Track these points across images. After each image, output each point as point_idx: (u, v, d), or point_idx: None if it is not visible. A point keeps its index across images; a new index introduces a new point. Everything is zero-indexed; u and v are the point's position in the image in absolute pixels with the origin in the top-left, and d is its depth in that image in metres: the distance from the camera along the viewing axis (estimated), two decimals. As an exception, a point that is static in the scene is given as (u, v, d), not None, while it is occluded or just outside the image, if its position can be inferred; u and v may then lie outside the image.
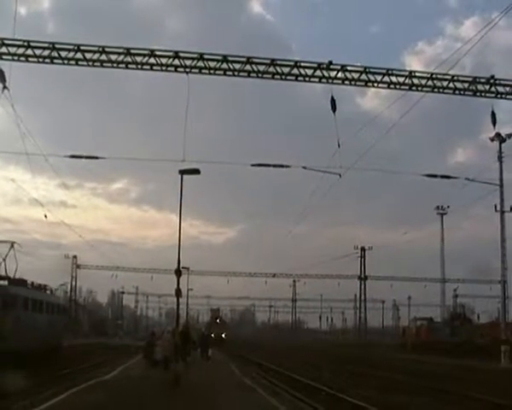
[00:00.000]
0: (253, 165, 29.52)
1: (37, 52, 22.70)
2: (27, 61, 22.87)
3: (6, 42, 22.35)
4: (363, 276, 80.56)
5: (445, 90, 25.27)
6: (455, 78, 25.02)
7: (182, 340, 28.96)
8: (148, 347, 29.56)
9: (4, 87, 22.31)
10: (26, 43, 22.55)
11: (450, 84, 25.05)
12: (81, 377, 23.28)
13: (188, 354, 30.56)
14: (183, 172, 24.65)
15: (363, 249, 79.97)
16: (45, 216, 42.43)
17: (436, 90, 25.20)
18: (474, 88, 25.22)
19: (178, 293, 27.05)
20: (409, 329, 74.86)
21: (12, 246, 30.04)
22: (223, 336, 75.53)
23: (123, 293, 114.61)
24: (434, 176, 33.38)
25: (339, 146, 25.06)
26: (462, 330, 59.65)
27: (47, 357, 29.50)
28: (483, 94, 25.39)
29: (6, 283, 28.22)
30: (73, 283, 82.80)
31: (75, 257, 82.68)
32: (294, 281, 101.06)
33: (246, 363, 38.13)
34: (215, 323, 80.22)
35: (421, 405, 18.72)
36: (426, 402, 19.36)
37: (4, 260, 29.33)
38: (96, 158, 29.04)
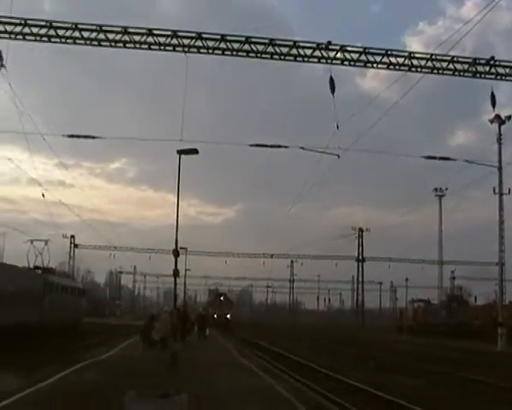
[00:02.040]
0: (251, 145, 29.48)
1: (35, 30, 22.57)
2: (24, 39, 22.73)
3: (3, 20, 22.22)
4: (360, 257, 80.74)
5: (445, 72, 25.17)
6: (455, 59, 24.92)
7: (180, 320, 29.09)
8: (145, 328, 29.63)
9: (1, 65, 22.19)
10: (23, 22, 22.40)
11: (450, 66, 24.95)
12: (79, 356, 23.35)
13: (187, 333, 30.71)
14: (181, 152, 24.61)
15: (360, 230, 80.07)
16: (43, 195, 42.63)
17: (436, 71, 25.09)
18: (473, 69, 25.12)
19: (176, 273, 27.11)
20: (406, 311, 75.22)
21: (46, 243, 38.30)
22: (227, 316, 70.41)
23: (121, 273, 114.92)
24: (433, 158, 33.34)
25: (337, 127, 25.02)
26: (459, 313, 59.76)
27: (70, 331, 35.40)
28: (483, 75, 25.30)
29: (40, 272, 34.44)
30: (71, 263, 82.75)
31: (73, 237, 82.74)
32: (292, 261, 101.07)
33: (243, 343, 38.28)
34: (218, 301, 74.24)
35: (416, 386, 18.85)
36: (420, 383, 19.51)
37: (41, 253, 36.76)
38: (94, 138, 28.95)
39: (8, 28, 22.24)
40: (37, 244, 36.77)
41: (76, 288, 45.05)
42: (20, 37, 22.49)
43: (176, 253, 26.53)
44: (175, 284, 27.91)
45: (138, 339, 30.32)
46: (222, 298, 75.75)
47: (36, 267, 36.18)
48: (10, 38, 22.36)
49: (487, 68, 25.08)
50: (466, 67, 25.17)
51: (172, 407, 9.86)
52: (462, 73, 25.29)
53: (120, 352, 26.47)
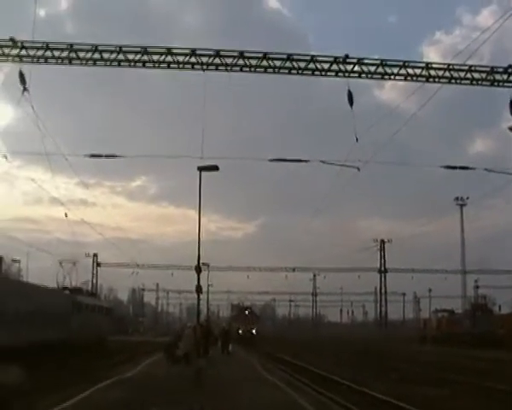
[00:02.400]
0: (271, 160, 29.56)
1: (56, 53, 22.92)
2: (46, 62, 23.13)
3: (25, 44, 22.62)
4: (383, 269, 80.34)
5: (463, 81, 25.13)
6: (472, 68, 24.87)
7: (203, 336, 29.24)
8: (170, 344, 29.80)
9: (24, 89, 22.58)
10: (44, 45, 22.80)
11: (468, 75, 24.90)
12: (103, 374, 23.52)
13: (210, 349, 30.84)
14: (201, 169, 24.86)
15: (382, 242, 79.73)
16: (65, 215, 42.96)
17: (453, 81, 25.06)
18: (491, 78, 25.03)
19: (199, 290, 27.27)
20: (429, 321, 74.59)
21: (74, 264, 42.63)
22: (253, 331, 65.90)
23: (143, 290, 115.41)
24: (453, 167, 33.14)
25: (357, 140, 25.05)
26: (484, 322, 59.08)
27: (96, 349, 36.23)
28: (500, 84, 25.20)
29: (68, 292, 36.91)
30: (94, 281, 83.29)
31: (95, 255, 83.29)
32: (314, 275, 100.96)
33: (267, 358, 38.27)
34: (243, 316, 69.47)
35: (439, 396, 18.78)
36: (444, 394, 19.42)
37: (69, 274, 40.00)
38: (115, 157, 29.25)
39: (31, 52, 22.66)
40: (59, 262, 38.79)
41: (102, 307, 47.82)
42: (42, 60, 22.91)
43: (198, 269, 26.71)
44: (198, 299, 28.08)
45: (162, 356, 30.51)
46: (247, 312, 71.77)
47: (64, 288, 39.15)
48: (33, 61, 22.77)
49: (505, 77, 25.00)
50: (484, 76, 25.10)
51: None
52: (479, 82, 25.21)
53: (145, 369, 26.59)
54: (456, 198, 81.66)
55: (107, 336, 45.60)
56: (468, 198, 79.56)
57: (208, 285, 56.60)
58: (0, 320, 22.67)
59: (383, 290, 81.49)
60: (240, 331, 64.43)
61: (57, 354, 26.03)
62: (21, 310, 25.37)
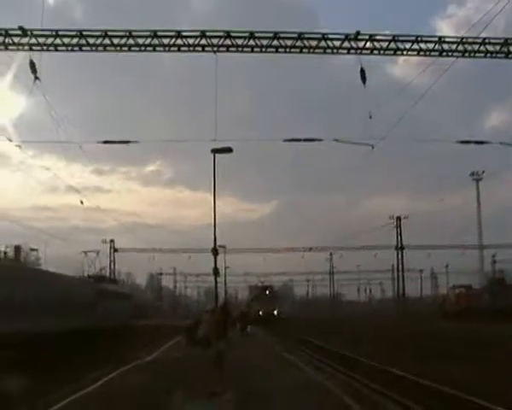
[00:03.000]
0: (285, 140, 29.44)
1: (66, 41, 22.85)
2: (56, 50, 23.06)
3: (35, 33, 22.56)
4: (399, 246, 79.99)
5: (477, 54, 24.81)
6: (486, 40, 24.53)
7: (222, 318, 29.29)
8: (190, 328, 29.92)
9: (36, 78, 22.56)
10: (54, 33, 22.73)
11: (482, 48, 24.56)
12: (124, 358, 23.70)
13: (228, 331, 30.91)
14: (215, 152, 24.78)
15: (398, 219, 79.25)
16: (81, 202, 43.20)
17: (467, 54, 24.74)
18: (506, 50, 24.69)
19: (216, 272, 27.31)
20: (448, 296, 74.32)
21: (97, 254, 50.13)
22: (274, 313, 62.96)
23: (161, 274, 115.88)
24: (468, 142, 32.82)
25: (370, 117, 24.84)
26: (502, 296, 58.79)
27: (120, 334, 37.08)
28: (516, 55, 24.87)
29: (92, 280, 39.66)
30: (112, 266, 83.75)
31: (112, 241, 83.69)
32: (331, 254, 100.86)
33: (286, 337, 38.30)
34: (264, 296, 65.97)
35: (461, 372, 18.67)
36: (465, 370, 19.31)
37: (94, 263, 44.73)
38: (128, 142, 29.25)
39: (41, 40, 22.59)
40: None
41: (123, 293, 50.71)
42: (52, 48, 22.84)
43: (215, 252, 26.72)
44: (215, 282, 28.16)
45: (182, 339, 30.69)
46: (268, 292, 68.04)
47: (89, 277, 42.81)
48: (43, 49, 22.71)
49: (520, 48, 24.66)
50: (498, 48, 24.75)
51: (221, 405, 10.00)
52: (494, 55, 24.88)
53: (165, 352, 26.81)
54: (472, 173, 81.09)
55: (129, 321, 46.57)
56: (483, 172, 78.95)
57: (225, 268, 56.72)
58: (32, 309, 23.36)
59: (400, 267, 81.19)
60: (260, 313, 61.83)
61: (83, 341, 26.84)
62: (51, 299, 26.26)
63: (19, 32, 22.45)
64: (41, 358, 19.01)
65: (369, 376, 17.49)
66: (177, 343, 32.64)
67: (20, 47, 22.66)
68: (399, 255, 79.91)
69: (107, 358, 22.08)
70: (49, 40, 22.67)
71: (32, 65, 22.48)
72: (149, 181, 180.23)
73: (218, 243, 27.24)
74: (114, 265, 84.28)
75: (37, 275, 28.04)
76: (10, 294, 21.78)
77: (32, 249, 75.31)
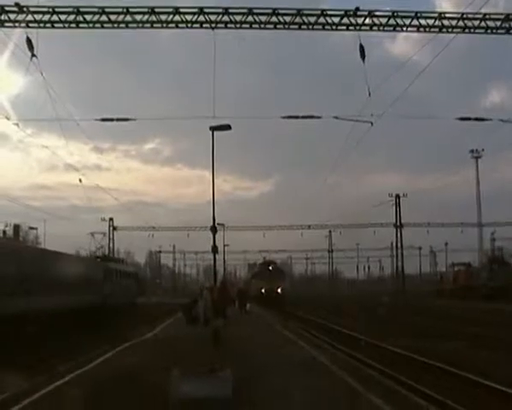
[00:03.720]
0: (283, 117, 29.30)
1: (63, 17, 22.65)
2: (53, 27, 22.86)
3: (32, 9, 22.35)
4: (398, 223, 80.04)
5: (477, 30, 24.60)
6: (486, 16, 24.32)
7: (220, 296, 29.37)
8: (188, 306, 30.00)
9: (33, 55, 22.35)
10: (51, 10, 22.52)
11: (482, 24, 24.34)
12: (124, 336, 23.83)
13: (227, 309, 31.02)
14: (213, 129, 24.66)
15: (397, 197, 79.21)
16: (80, 180, 43.19)
17: (467, 30, 24.52)
18: (506, 25, 24.50)
19: (215, 250, 27.29)
20: (446, 275, 74.62)
21: (104, 235, 52.68)
22: (278, 290, 57.19)
23: (160, 252, 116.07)
24: (467, 119, 32.66)
25: (369, 94, 24.71)
26: (501, 274, 58.92)
27: (127, 311, 40.48)
28: (516, 31, 24.67)
29: (99, 260, 42.11)
30: (111, 245, 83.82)
31: (111, 219, 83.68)
32: (330, 231, 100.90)
33: (285, 315, 38.44)
34: (267, 273, 59.73)
35: (456, 350, 18.81)
36: (461, 347, 19.46)
37: (102, 246, 47.67)
38: (127, 120, 29.12)
39: (37, 17, 22.38)
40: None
41: (129, 272, 51.57)
42: (48, 25, 22.64)
43: (213, 229, 26.69)
44: (214, 260, 28.11)
45: (181, 316, 30.80)
46: (271, 268, 61.34)
47: (97, 257, 45.06)
48: (39, 26, 22.49)
49: (521, 24, 24.45)
50: (498, 23, 24.54)
51: (218, 382, 10.01)
52: (494, 31, 24.68)
53: (164, 330, 26.92)
54: (472, 151, 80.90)
55: (135, 298, 50.09)
56: (483, 150, 78.83)
57: (224, 245, 56.65)
58: (45, 288, 24.62)
59: (399, 245, 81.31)
60: (263, 291, 57.26)
61: (91, 317, 29.74)
62: (63, 278, 27.67)
63: (15, 9, 22.25)
64: (54, 333, 21.75)
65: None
66: (176, 321, 32.76)
67: (17, 24, 22.44)
68: (398, 233, 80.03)
69: (108, 336, 23.08)
70: (46, 17, 22.46)
71: (29, 42, 22.28)
72: (148, 159, 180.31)
73: (216, 221, 27.22)
74: (113, 243, 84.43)
75: (55, 256, 29.43)
76: (32, 273, 23.46)
77: (32, 228, 75.49)
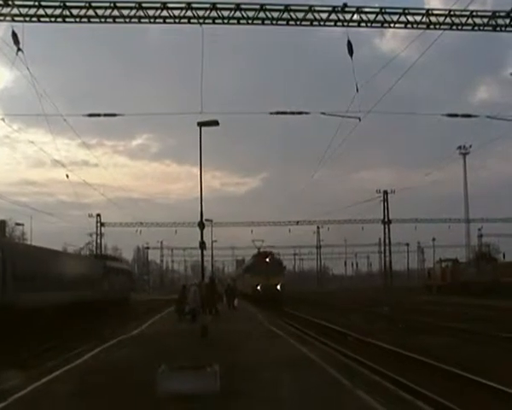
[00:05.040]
0: (271, 113, 29.29)
1: (49, 12, 22.40)
2: (39, 21, 22.61)
3: (17, 3, 22.11)
4: (386, 219, 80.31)
5: (464, 27, 24.65)
6: (474, 13, 24.38)
7: (209, 292, 29.38)
8: (180, 299, 30.01)
9: (18, 49, 22.15)
10: (37, 3, 22.30)
11: (469, 20, 24.39)
12: (111, 332, 23.80)
13: (214, 305, 31.03)
14: (201, 125, 24.58)
15: (385, 193, 79.48)
16: (67, 176, 43.18)
17: (455, 27, 24.57)
18: (493, 23, 24.55)
19: (202, 246, 27.22)
20: (434, 271, 74.79)
21: (102, 235, 56.17)
22: (277, 287, 48.25)
23: (147, 248, 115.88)
24: (455, 115, 32.77)
25: (357, 90, 24.72)
26: (488, 270, 59.22)
27: (120, 305, 44.54)
28: (503, 28, 24.74)
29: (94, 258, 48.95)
30: (98, 241, 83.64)
31: (99, 215, 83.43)
32: (318, 227, 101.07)
33: (272, 310, 38.44)
34: (263, 265, 50.13)
35: (445, 345, 18.91)
36: (449, 343, 19.57)
37: (90, 243, 50.96)
38: (114, 115, 28.99)
39: (23, 11, 22.14)
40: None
41: (125, 269, 57.56)
42: (34, 19, 22.42)
43: (201, 225, 26.61)
44: (202, 256, 27.99)
45: (174, 312, 30.94)
46: (268, 260, 51.54)
47: (95, 256, 51.56)
48: (25, 20, 22.26)
49: (507, 21, 24.51)
50: (486, 21, 24.60)
51: (205, 377, 10.00)
52: (481, 28, 24.74)
53: (152, 326, 26.90)
54: (459, 147, 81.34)
55: (129, 294, 54.61)
56: (471, 147, 79.25)
57: (212, 241, 56.55)
58: (52, 285, 27.76)
59: (387, 241, 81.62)
60: (259, 287, 48.93)
61: (91, 310, 33.39)
62: (68, 276, 31.06)
63: (0, 2, 22.01)
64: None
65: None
66: (164, 317, 32.74)
67: (2, 18, 22.20)
68: (386, 229, 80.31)
69: (99, 331, 25.43)
70: (32, 11, 22.21)
71: (15, 36, 22.07)
72: (136, 155, 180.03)
73: (204, 217, 27.14)
74: (101, 239, 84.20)
75: (62, 257, 35.04)
76: (44, 271, 27.39)
77: (18, 224, 75.19)
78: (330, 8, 23.81)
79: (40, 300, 25.06)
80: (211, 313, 28.62)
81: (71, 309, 28.32)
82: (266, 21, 23.65)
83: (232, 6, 23.37)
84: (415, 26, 24.25)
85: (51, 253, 32.62)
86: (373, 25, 24.30)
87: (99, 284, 38.86)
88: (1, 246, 25.05)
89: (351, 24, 23.97)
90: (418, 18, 24.19)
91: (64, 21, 22.78)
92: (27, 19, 22.22)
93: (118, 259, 65.76)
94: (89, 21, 22.93)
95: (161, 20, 23.37)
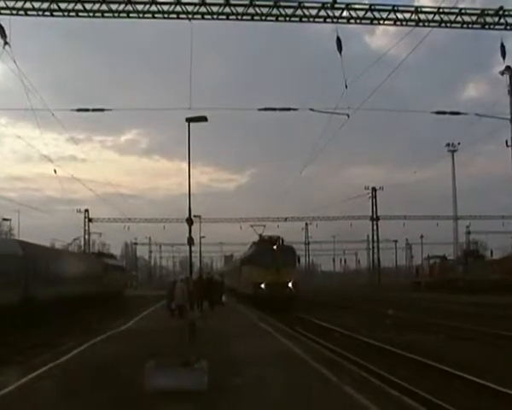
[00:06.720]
0: (260, 109, 29.28)
1: (36, 5, 22.21)
2: (26, 14, 22.42)
3: (3, -5, 21.92)
4: (375, 216, 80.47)
5: (453, 25, 24.68)
6: (463, 11, 24.42)
7: (205, 288, 29.58)
8: (170, 294, 29.95)
9: (5, 43, 21.94)
10: (24, -4, 22.12)
11: (458, 18, 24.42)
12: (98, 328, 23.70)
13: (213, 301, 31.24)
14: (189, 120, 24.53)
15: (374, 190, 79.61)
16: (55, 171, 42.89)
17: (443, 24, 24.60)
18: (482, 21, 24.60)
19: (191, 241, 27.20)
20: (422, 268, 75.11)
21: (100, 235, 65.54)
22: (289, 285, 35.82)
23: (136, 244, 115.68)
24: (443, 113, 32.89)
25: (346, 87, 24.72)
26: (476, 267, 59.47)
27: (115, 299, 49.37)
28: (492, 26, 24.79)
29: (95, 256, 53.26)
30: (86, 236, 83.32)
31: (87, 211, 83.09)
32: (307, 224, 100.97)
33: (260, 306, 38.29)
34: (268, 254, 36.99)
35: (435, 342, 18.97)
36: (439, 339, 19.62)
37: (77, 238, 57.13)
38: (103, 110, 28.88)
39: (10, 4, 21.91)
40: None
41: (119, 266, 64.54)
42: (21, 12, 22.22)
43: (189, 221, 26.59)
44: (190, 251, 28.02)
45: (164, 305, 31.10)
46: (275, 247, 38.31)
47: (93, 253, 57.13)
48: (12, 13, 22.02)
49: (496, 19, 24.57)
50: (474, 18, 24.64)
51: (192, 374, 9.96)
52: (470, 25, 24.78)
53: (139, 322, 26.85)
54: (448, 144, 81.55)
55: (123, 289, 61.17)
56: (459, 144, 79.46)
57: (200, 237, 56.42)
58: (64, 280, 32.14)
59: (375, 238, 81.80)
60: (262, 285, 36.28)
61: (96, 303, 38.39)
62: (77, 272, 35.52)
63: (-14, -5, 21.81)
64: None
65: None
66: (152, 313, 32.65)
67: (-12, 11, 22.01)
68: (374, 226, 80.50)
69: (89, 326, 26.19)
70: (19, 4, 22.02)
71: (1, 30, 21.87)
72: (125, 150, 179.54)
73: (193, 213, 27.11)
74: (89, 235, 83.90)
75: (71, 256, 43.36)
76: (57, 269, 31.54)
77: (5, 219, 74.87)
78: (320, 5, 23.76)
79: (55, 294, 29.33)
80: (198, 308, 28.60)
81: (79, 302, 33.47)
82: (256, 17, 23.59)
83: (221, 1, 23.28)
84: (404, 23, 24.25)
85: (62, 252, 39.22)
86: (362, 21, 24.29)
87: (100, 280, 44.31)
88: (22, 246, 27.75)
89: (340, 20, 23.95)
90: (407, 15, 24.19)
91: (52, 15, 22.60)
92: (14, 12, 22.00)
93: (113, 256, 70.28)
94: (77, 15, 22.73)
95: (150, 15, 23.23)
